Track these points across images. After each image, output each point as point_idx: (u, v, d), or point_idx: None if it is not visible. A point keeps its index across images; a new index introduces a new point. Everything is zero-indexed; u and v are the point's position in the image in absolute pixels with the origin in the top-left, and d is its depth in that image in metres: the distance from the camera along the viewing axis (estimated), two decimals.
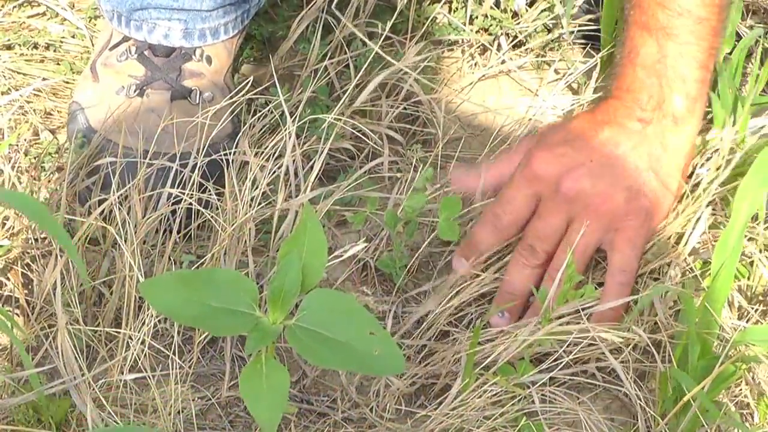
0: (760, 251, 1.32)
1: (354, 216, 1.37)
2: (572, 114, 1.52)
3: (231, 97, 1.38)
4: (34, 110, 1.49)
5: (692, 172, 1.36)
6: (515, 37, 1.61)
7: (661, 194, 1.29)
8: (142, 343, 1.21)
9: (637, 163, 1.29)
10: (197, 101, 1.42)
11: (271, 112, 1.41)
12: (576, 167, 1.27)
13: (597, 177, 1.27)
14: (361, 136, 1.45)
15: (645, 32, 1.30)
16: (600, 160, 1.28)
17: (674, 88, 1.30)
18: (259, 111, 1.41)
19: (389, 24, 1.47)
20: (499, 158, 1.37)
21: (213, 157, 1.35)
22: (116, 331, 1.23)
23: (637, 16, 1.31)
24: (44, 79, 1.53)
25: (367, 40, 1.48)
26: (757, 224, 1.34)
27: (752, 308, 1.30)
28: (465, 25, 1.61)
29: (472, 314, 1.32)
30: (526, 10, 1.62)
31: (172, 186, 1.31)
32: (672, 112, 1.30)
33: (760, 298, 1.33)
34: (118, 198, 1.28)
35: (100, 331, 1.26)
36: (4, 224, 1.33)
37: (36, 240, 1.32)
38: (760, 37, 1.53)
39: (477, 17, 1.61)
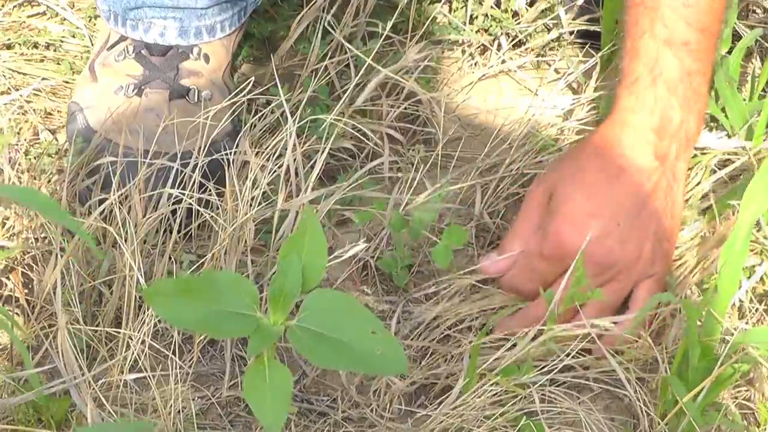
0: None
1: (359, 214, 1.37)
2: (572, 112, 1.52)
3: (232, 97, 1.38)
4: (34, 110, 1.49)
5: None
6: (515, 36, 1.61)
7: (676, 227, 1.29)
8: (142, 342, 1.21)
9: (656, 205, 1.26)
10: (196, 100, 1.42)
11: (272, 112, 1.41)
12: (605, 237, 1.24)
13: (627, 239, 1.25)
14: (361, 136, 1.44)
15: (666, 47, 1.27)
16: (626, 219, 1.25)
17: (692, 108, 1.27)
18: (260, 111, 1.41)
19: (389, 24, 1.47)
20: (517, 224, 1.32)
21: (214, 156, 1.35)
22: (116, 331, 1.23)
23: (657, 30, 1.27)
24: (44, 79, 1.53)
25: (349, 46, 1.48)
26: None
27: (753, 308, 1.30)
28: (465, 24, 1.60)
29: (474, 319, 1.32)
30: (527, 10, 1.62)
31: (173, 186, 1.31)
32: (686, 133, 1.28)
33: (761, 298, 1.33)
34: (119, 198, 1.28)
35: (100, 330, 1.25)
36: (5, 224, 1.33)
37: (36, 240, 1.32)
38: (759, 37, 1.53)
39: (477, 17, 1.61)
